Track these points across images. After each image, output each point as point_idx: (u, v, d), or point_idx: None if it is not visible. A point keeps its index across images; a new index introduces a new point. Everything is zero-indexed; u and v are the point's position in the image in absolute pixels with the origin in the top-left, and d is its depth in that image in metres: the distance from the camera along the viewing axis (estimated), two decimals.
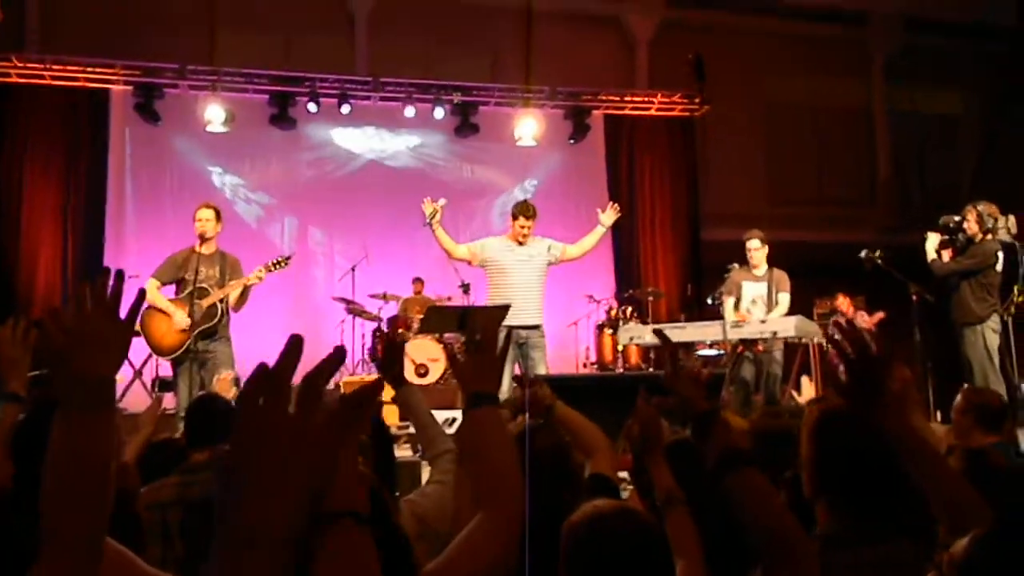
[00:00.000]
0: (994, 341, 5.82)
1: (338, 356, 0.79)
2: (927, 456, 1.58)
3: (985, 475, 2.03)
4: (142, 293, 1.28)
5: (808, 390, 4.52)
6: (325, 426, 0.72)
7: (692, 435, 1.65)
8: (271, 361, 0.87)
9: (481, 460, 1.45)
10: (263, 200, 9.81)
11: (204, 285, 5.61)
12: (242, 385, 1.09)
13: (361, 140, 10.12)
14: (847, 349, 1.61)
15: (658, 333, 1.90)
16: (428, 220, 5.78)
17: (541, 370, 5.88)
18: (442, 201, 5.86)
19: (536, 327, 6.04)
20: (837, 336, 1.74)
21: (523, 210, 6.09)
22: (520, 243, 6.09)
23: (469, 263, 6.24)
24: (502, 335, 5.83)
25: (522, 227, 6.05)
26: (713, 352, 8.51)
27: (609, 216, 6.18)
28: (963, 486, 1.54)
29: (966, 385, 5.37)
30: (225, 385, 4.71)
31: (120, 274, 1.21)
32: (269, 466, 0.71)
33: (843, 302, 9.42)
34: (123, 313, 1.23)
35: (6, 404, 1.85)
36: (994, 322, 5.85)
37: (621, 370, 8.40)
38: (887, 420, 1.59)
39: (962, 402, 3.10)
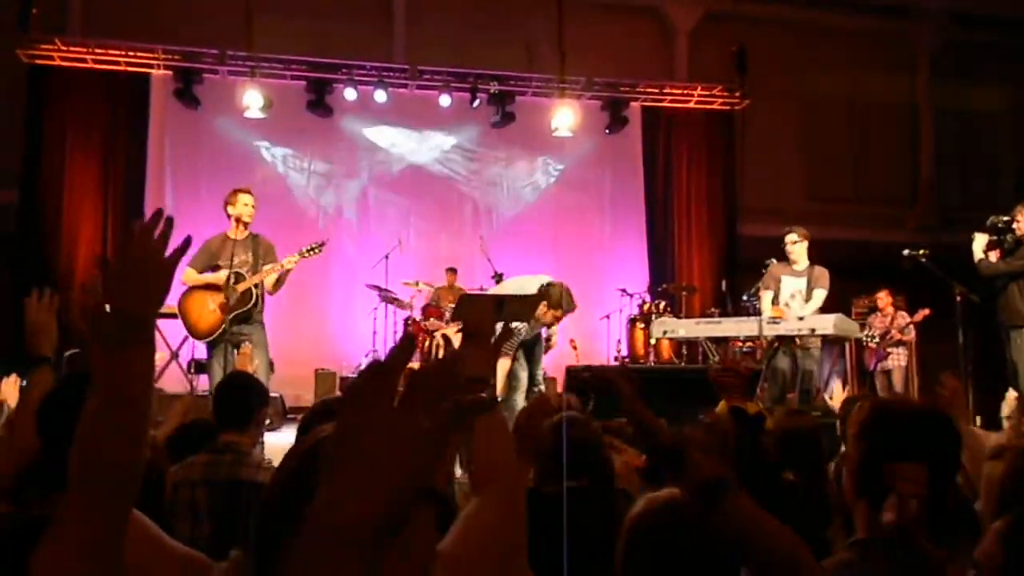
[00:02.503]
0: None
1: (408, 345, 0.75)
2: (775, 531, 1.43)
3: None
4: (187, 240, 1.25)
5: (839, 393, 4.42)
6: (431, 427, 0.70)
7: (662, 469, 1.59)
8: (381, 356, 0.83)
9: (474, 443, 1.48)
10: (299, 185, 9.86)
11: (239, 270, 5.65)
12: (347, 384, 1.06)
13: (397, 127, 10.12)
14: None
15: (583, 370, 1.88)
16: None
17: (541, 364, 6.12)
18: None
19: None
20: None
21: (561, 303, 5.62)
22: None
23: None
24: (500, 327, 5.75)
25: (556, 317, 5.71)
26: (745, 350, 8.38)
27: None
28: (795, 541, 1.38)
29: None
30: (245, 360, 4.67)
31: (169, 220, 1.19)
32: (369, 461, 0.69)
33: (883, 299, 9.22)
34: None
35: (37, 369, 1.86)
36: None
37: (652, 364, 8.32)
38: (729, 507, 1.46)
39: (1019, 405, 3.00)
